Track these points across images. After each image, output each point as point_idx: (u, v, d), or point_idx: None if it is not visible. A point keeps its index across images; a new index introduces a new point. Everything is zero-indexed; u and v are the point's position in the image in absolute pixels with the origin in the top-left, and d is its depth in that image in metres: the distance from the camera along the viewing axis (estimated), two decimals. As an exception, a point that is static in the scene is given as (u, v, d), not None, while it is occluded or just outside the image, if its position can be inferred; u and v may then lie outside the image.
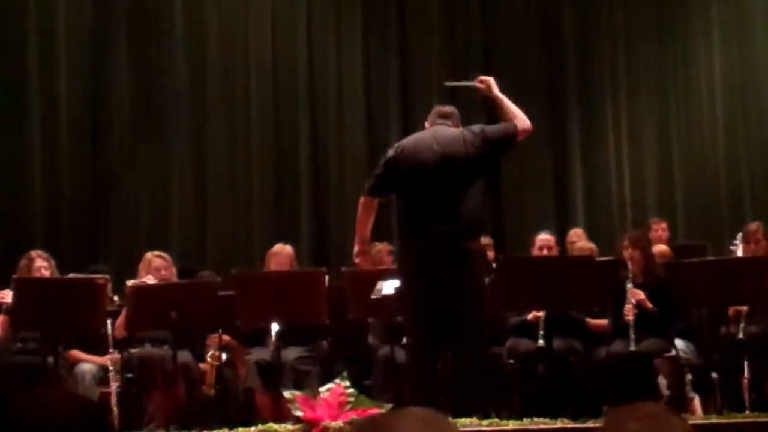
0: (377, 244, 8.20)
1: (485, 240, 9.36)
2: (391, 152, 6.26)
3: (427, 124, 6.43)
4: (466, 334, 5.98)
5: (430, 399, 5.75)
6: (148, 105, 11.01)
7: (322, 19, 11.85)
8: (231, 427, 6.14)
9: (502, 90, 6.56)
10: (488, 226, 11.10)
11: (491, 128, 6.29)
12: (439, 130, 6.23)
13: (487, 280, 7.98)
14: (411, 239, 6.10)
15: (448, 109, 6.51)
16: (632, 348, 7.15)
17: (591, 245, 8.86)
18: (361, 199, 6.32)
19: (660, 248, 8.59)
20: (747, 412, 6.48)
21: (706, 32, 12.26)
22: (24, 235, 9.71)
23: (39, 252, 7.68)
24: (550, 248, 8.22)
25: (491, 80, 6.56)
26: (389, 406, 5.58)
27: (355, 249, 6.38)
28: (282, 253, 8.15)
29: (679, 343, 7.51)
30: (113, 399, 7.20)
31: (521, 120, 6.32)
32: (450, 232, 5.93)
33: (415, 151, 6.14)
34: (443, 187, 6.01)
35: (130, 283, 7.43)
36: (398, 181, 6.16)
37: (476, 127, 6.26)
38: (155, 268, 7.80)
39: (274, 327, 7.21)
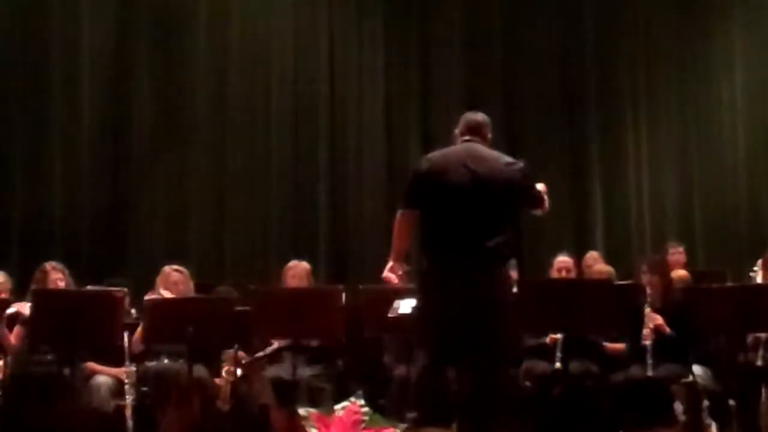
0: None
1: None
2: (420, 165, 6.01)
3: (456, 132, 6.16)
4: (483, 356, 5.79)
5: (440, 417, 5.69)
6: (169, 119, 11.04)
7: (343, 35, 11.90)
8: (245, 443, 6.13)
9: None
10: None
11: (530, 181, 6.08)
12: (473, 149, 5.99)
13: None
14: (434, 262, 5.86)
15: (479, 118, 6.18)
16: (649, 373, 7.13)
17: (609, 268, 8.83)
18: (398, 215, 6.01)
19: (679, 273, 8.57)
20: (763, 439, 6.44)
21: (727, 55, 12.24)
22: (43, 248, 9.74)
23: (54, 264, 7.71)
24: (568, 270, 8.26)
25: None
26: (404, 425, 5.57)
27: (389, 265, 6.04)
28: (298, 268, 8.15)
29: (696, 369, 7.46)
30: (128, 412, 7.18)
31: (546, 201, 6.18)
32: (475, 259, 5.72)
33: (447, 168, 5.89)
34: (472, 210, 5.78)
35: (147, 297, 7.45)
36: (425, 197, 5.90)
37: (519, 164, 6.02)
38: (173, 282, 7.81)
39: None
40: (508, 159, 6.01)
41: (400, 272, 5.98)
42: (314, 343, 7.64)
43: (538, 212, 6.15)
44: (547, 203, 6.12)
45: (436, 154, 6.05)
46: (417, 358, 5.96)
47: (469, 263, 5.73)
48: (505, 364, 5.92)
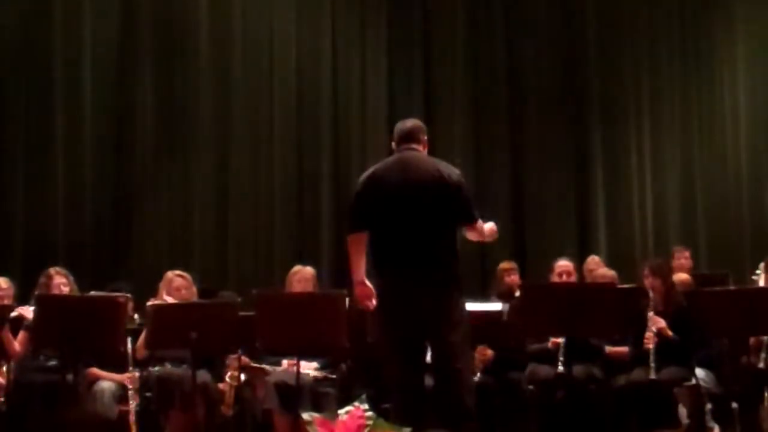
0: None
1: (509, 264, 9.36)
2: (359, 185, 6.04)
3: (393, 144, 6.15)
4: (442, 357, 5.85)
5: (418, 415, 5.72)
6: (172, 124, 11.05)
7: (347, 40, 11.91)
8: (249, 447, 6.14)
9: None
10: (512, 250, 11.21)
11: (466, 194, 5.95)
12: (406, 157, 5.98)
13: (508, 305, 8.02)
14: (383, 275, 5.88)
15: (410, 125, 6.13)
16: (652, 376, 7.14)
17: (612, 272, 8.85)
18: (348, 238, 6.04)
19: (681, 277, 8.56)
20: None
21: (730, 59, 12.25)
22: (46, 253, 9.74)
23: (58, 269, 7.72)
24: (569, 274, 8.28)
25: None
26: (408, 430, 5.57)
27: (355, 292, 6.03)
28: (302, 273, 8.16)
29: (699, 372, 7.46)
30: (132, 417, 7.21)
31: (481, 226, 6.05)
32: (422, 267, 5.76)
33: (382, 182, 5.91)
34: (411, 219, 5.78)
35: (150, 303, 7.46)
36: (368, 216, 5.91)
37: (456, 171, 5.94)
38: (176, 288, 7.82)
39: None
40: (446, 165, 6.00)
41: (372, 291, 5.91)
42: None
43: (469, 234, 6.06)
44: (486, 233, 6.07)
45: (371, 171, 6.06)
46: (388, 369, 6.02)
47: (415, 273, 5.76)
48: (461, 365, 5.89)
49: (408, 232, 5.79)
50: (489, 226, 6.19)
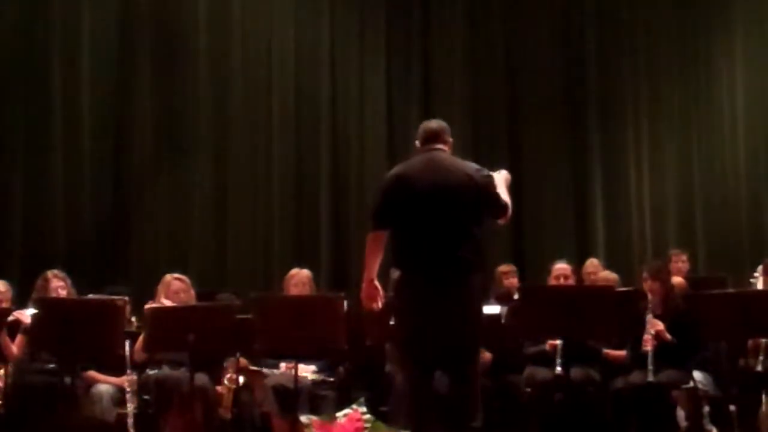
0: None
1: (508, 267, 9.38)
2: (385, 183, 5.98)
3: (417, 144, 6.11)
4: (460, 360, 5.80)
5: (427, 419, 5.69)
6: (170, 128, 11.06)
7: (345, 43, 11.91)
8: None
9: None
10: (510, 253, 11.22)
11: (492, 189, 5.93)
12: (434, 158, 5.95)
13: (506, 308, 8.01)
14: (408, 275, 5.83)
15: (435, 126, 6.12)
16: (650, 379, 7.14)
17: (614, 275, 8.88)
18: (369, 235, 5.96)
19: (676, 280, 8.58)
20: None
21: (728, 62, 12.23)
22: (44, 256, 9.74)
23: (55, 272, 7.72)
24: (566, 277, 8.29)
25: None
26: (406, 432, 5.58)
27: (363, 289, 5.95)
28: (300, 276, 8.16)
29: (697, 374, 7.47)
30: (130, 420, 7.19)
31: (509, 208, 6.01)
32: (447, 268, 5.71)
33: (410, 181, 5.86)
34: (439, 220, 5.76)
35: (148, 306, 7.46)
36: (394, 214, 5.86)
37: (484, 172, 5.95)
38: (174, 291, 7.82)
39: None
40: (473, 165, 5.98)
41: (380, 292, 5.88)
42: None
43: (500, 222, 6.07)
44: (510, 211, 6.01)
45: (398, 169, 6.02)
46: (403, 369, 5.98)
47: (441, 273, 5.71)
48: (476, 368, 5.87)
49: (435, 233, 5.74)
50: (502, 177, 6.10)
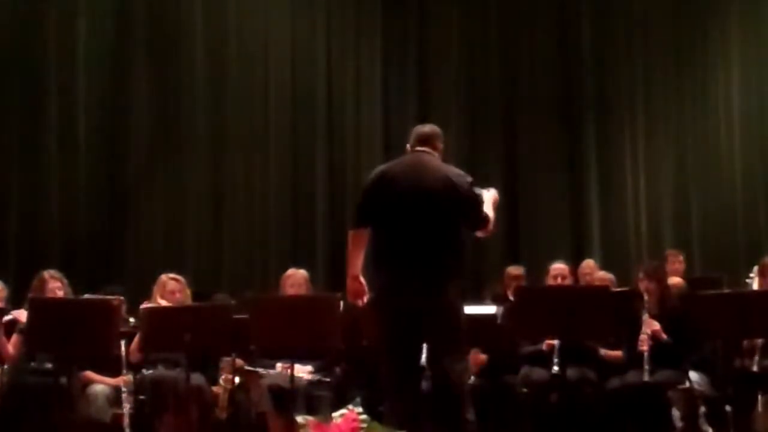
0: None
1: (517, 270, 9.23)
2: (368, 181, 5.99)
3: (408, 146, 6.11)
4: (440, 360, 5.78)
5: (411, 417, 5.68)
6: (166, 128, 11.07)
7: (342, 42, 11.92)
8: (243, 450, 6.13)
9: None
10: (507, 254, 11.23)
11: (475, 201, 5.88)
12: (420, 159, 5.95)
13: (501, 308, 8.01)
14: (382, 274, 5.82)
15: (428, 130, 6.12)
16: (646, 379, 7.14)
17: (611, 276, 8.87)
18: (350, 232, 6.00)
19: (674, 281, 8.57)
20: (760, 445, 6.46)
21: (724, 62, 12.23)
22: (40, 256, 9.75)
23: (52, 272, 7.70)
24: (563, 277, 8.32)
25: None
26: (402, 432, 5.57)
27: (347, 286, 5.99)
28: (296, 276, 8.17)
29: (693, 374, 7.47)
30: (126, 420, 7.20)
31: (491, 223, 5.95)
32: (425, 270, 5.69)
33: (393, 180, 5.87)
34: (419, 221, 5.73)
35: (144, 306, 7.45)
36: (374, 212, 5.87)
37: (467, 179, 5.88)
38: (170, 291, 7.83)
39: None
40: (456, 170, 5.94)
41: (365, 288, 5.90)
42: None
43: (480, 234, 6.03)
44: (491, 226, 5.95)
45: (382, 168, 6.04)
46: (384, 369, 5.96)
47: (419, 275, 5.70)
48: (458, 365, 5.83)
49: (413, 233, 5.74)
50: (490, 195, 6.05)
